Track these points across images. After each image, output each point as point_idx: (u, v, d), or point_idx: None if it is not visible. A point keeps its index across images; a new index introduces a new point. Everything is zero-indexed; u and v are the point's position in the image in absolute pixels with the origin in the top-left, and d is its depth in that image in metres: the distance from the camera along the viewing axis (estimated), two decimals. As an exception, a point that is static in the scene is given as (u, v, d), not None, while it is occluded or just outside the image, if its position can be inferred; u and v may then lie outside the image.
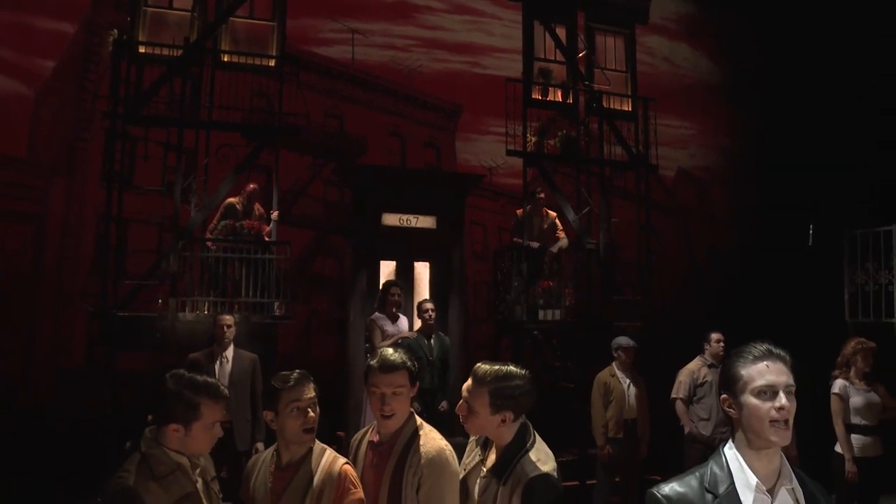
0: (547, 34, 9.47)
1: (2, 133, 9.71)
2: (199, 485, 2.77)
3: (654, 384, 7.47)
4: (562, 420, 8.12)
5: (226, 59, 8.34)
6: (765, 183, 12.99)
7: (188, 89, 8.14)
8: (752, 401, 2.07)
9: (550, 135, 9.58)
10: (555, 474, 2.83)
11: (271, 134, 8.33)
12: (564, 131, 9.58)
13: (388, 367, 3.01)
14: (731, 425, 2.17)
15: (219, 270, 7.86)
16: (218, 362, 6.61)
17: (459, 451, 3.16)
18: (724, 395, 2.17)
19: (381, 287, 7.94)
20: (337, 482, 2.91)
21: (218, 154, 8.37)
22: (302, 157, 11.07)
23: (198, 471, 2.79)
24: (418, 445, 3.00)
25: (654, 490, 2.11)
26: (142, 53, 8.03)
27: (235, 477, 5.55)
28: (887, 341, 7.43)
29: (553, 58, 9.57)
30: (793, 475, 2.11)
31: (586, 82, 9.59)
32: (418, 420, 3.13)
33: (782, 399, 2.04)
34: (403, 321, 7.73)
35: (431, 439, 3.04)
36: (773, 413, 2.03)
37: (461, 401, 2.98)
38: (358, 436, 3.29)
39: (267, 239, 8.08)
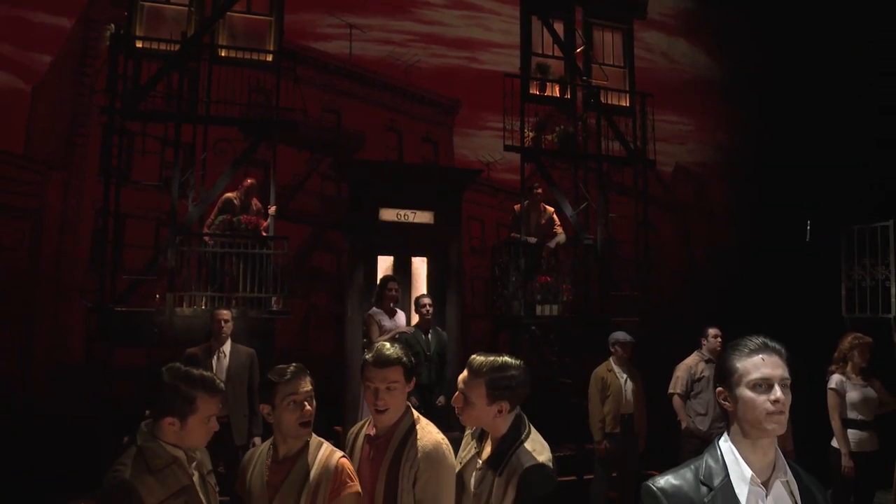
0: (545, 29, 9.46)
1: (-2, 128, 9.72)
2: (196, 478, 2.77)
3: (651, 379, 7.48)
4: (559, 415, 8.13)
5: (223, 54, 8.33)
6: (763, 180, 13.00)
7: (185, 84, 8.14)
8: (748, 394, 2.07)
9: (548, 130, 9.58)
10: (550, 464, 2.84)
11: (269, 129, 8.32)
12: (562, 127, 9.58)
13: (382, 361, 3.01)
14: (727, 418, 2.18)
15: (216, 265, 7.86)
16: (215, 357, 6.61)
17: (456, 445, 3.16)
18: (719, 388, 2.17)
19: (378, 282, 7.93)
20: (334, 475, 2.91)
21: (215, 149, 8.37)
22: (299, 152, 11.07)
23: (194, 464, 2.79)
24: (415, 439, 3.00)
25: (650, 483, 2.12)
26: (139, 48, 8.02)
27: (232, 472, 5.55)
28: (884, 336, 7.46)
29: (551, 53, 9.56)
30: (787, 468, 2.12)
31: (584, 77, 9.58)
32: (415, 414, 3.13)
33: (777, 392, 2.05)
34: (401, 316, 7.73)
35: (428, 433, 3.04)
36: (769, 406, 2.04)
37: (457, 392, 2.98)
38: (354, 429, 3.29)
39: (264, 234, 8.07)
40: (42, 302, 9.85)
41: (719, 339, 7.06)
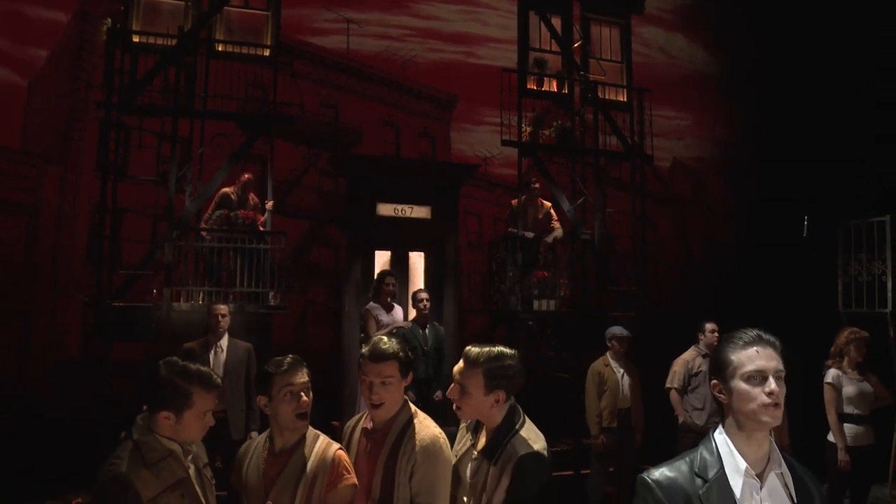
0: (542, 24, 9.45)
1: (-5, 123, 9.71)
2: (192, 471, 2.78)
3: (648, 374, 7.49)
4: (557, 410, 8.14)
5: (220, 49, 8.32)
6: (761, 175, 13.00)
7: (182, 79, 8.12)
8: (742, 386, 2.07)
9: (545, 125, 9.58)
10: (545, 453, 2.86)
11: (266, 123, 8.32)
12: (559, 121, 9.58)
13: (377, 356, 3.02)
14: (722, 411, 2.18)
15: (213, 260, 7.86)
16: (213, 352, 6.61)
17: (453, 440, 3.17)
18: (714, 381, 2.17)
19: (375, 277, 7.93)
20: (330, 468, 2.92)
21: (212, 144, 8.37)
22: (297, 146, 11.07)
23: (190, 457, 2.80)
24: (413, 433, 3.00)
25: (645, 475, 2.12)
26: (136, 43, 8.02)
27: (230, 466, 5.56)
28: (880, 331, 7.47)
29: (548, 48, 9.55)
30: (782, 460, 2.12)
31: (582, 72, 9.57)
32: (413, 408, 3.14)
33: (772, 384, 2.05)
34: (398, 311, 7.72)
35: (426, 427, 3.04)
36: (764, 398, 2.04)
37: (452, 384, 2.99)
38: (351, 422, 3.29)
39: (262, 229, 8.07)
40: (39, 297, 9.84)
41: (716, 334, 7.06)
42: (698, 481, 2.07)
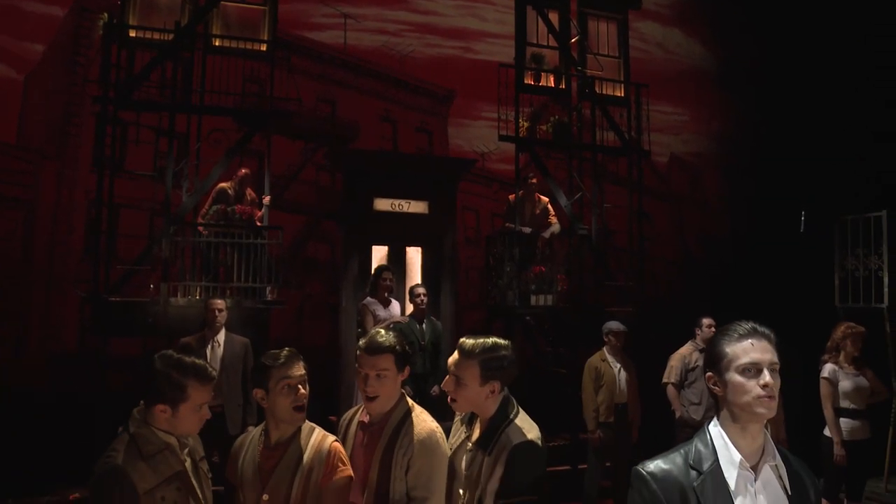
0: (540, 19, 9.45)
1: (-9, 118, 9.69)
2: (188, 464, 2.78)
3: (645, 369, 7.49)
4: (554, 405, 8.15)
5: (217, 44, 8.31)
6: (758, 171, 13.01)
7: (179, 74, 8.12)
8: (737, 378, 2.08)
9: (543, 120, 9.59)
10: (539, 442, 2.88)
11: (263, 119, 8.32)
12: (557, 117, 9.58)
13: (373, 348, 3.03)
14: (716, 403, 2.19)
15: (210, 255, 7.87)
16: (210, 346, 6.61)
17: (449, 434, 3.18)
18: (709, 373, 2.18)
19: (372, 272, 7.94)
20: (326, 460, 2.93)
21: (209, 139, 8.36)
22: (294, 142, 11.05)
23: (186, 450, 2.80)
24: (409, 427, 3.01)
25: (640, 467, 2.13)
26: (132, 37, 8.01)
27: (227, 461, 5.57)
28: (876, 326, 7.48)
29: (546, 43, 9.55)
30: (776, 453, 2.13)
31: (579, 68, 9.58)
32: (410, 402, 3.15)
33: (766, 377, 2.06)
34: (395, 306, 7.73)
35: (422, 421, 3.05)
36: (758, 390, 2.05)
37: (448, 376, 3.00)
38: (348, 415, 3.30)
39: (259, 224, 8.08)
40: (36, 292, 9.83)
41: (713, 329, 7.06)
42: (693, 473, 2.08)
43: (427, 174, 9.22)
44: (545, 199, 9.22)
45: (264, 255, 7.92)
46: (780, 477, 2.11)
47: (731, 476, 2.06)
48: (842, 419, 6.18)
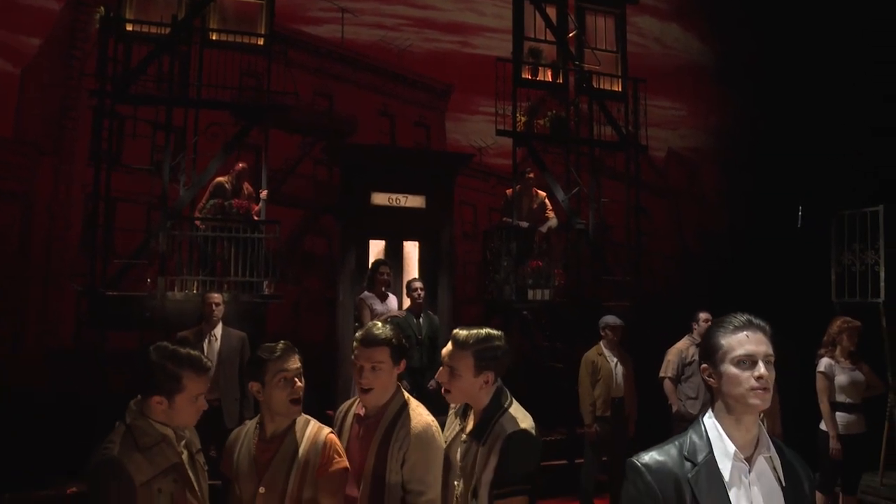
0: (537, 14, 9.44)
1: (-12, 112, 9.66)
2: (185, 456, 2.79)
3: (642, 363, 7.50)
4: (551, 399, 8.16)
5: (214, 38, 8.29)
6: (756, 166, 13.00)
7: (176, 68, 8.10)
8: (732, 370, 2.09)
9: (540, 115, 9.58)
10: (533, 431, 2.89)
11: (260, 112, 8.31)
12: (554, 111, 9.58)
13: (369, 341, 3.04)
14: (711, 395, 2.20)
15: (208, 249, 7.86)
16: (206, 340, 6.63)
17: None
18: (704, 365, 2.19)
19: (370, 266, 7.94)
20: (322, 451, 2.94)
21: (207, 133, 8.34)
22: (291, 136, 11.02)
23: (183, 442, 2.80)
24: (405, 420, 3.02)
25: (634, 458, 2.14)
26: (129, 31, 7.99)
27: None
28: (873, 320, 7.50)
29: (543, 37, 9.54)
30: (770, 444, 2.14)
31: (576, 62, 9.57)
32: (406, 395, 3.16)
33: (761, 368, 2.06)
34: (392, 300, 7.73)
35: (419, 415, 3.06)
36: (753, 382, 2.06)
37: (442, 368, 3.01)
38: (344, 407, 3.31)
39: (256, 218, 8.07)
40: (32, 286, 9.81)
41: (710, 324, 7.06)
42: (687, 465, 2.08)
43: (424, 169, 9.23)
44: (542, 193, 9.21)
45: (261, 249, 7.92)
46: (774, 468, 2.12)
47: (725, 467, 2.07)
48: (838, 413, 6.21)
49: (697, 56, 14.29)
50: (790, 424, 6.24)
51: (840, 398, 6.22)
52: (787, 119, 12.19)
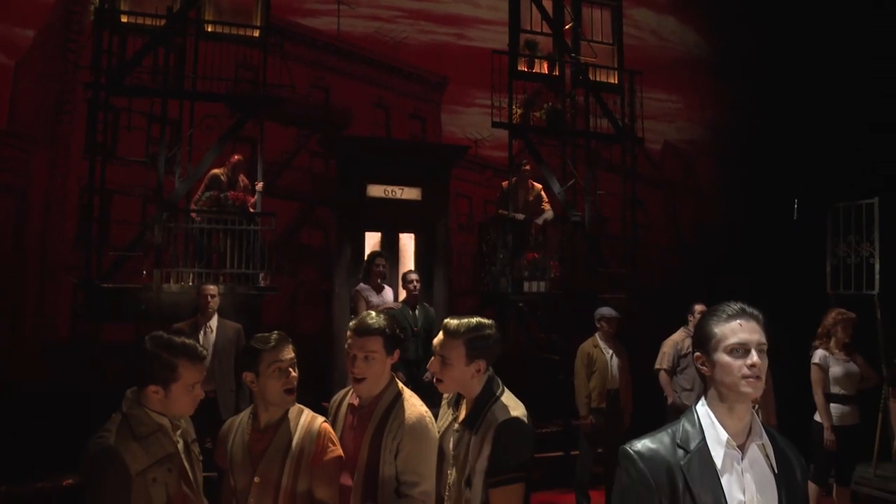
0: (533, 6, 9.41)
1: (-18, 104, 9.63)
2: (180, 446, 2.79)
3: (638, 355, 7.51)
4: (547, 392, 8.18)
5: (209, 30, 8.27)
6: (753, 160, 13.01)
7: (171, 60, 8.08)
8: (725, 358, 2.10)
9: (536, 107, 9.58)
10: (525, 419, 2.90)
11: (256, 105, 8.30)
12: (550, 103, 9.57)
13: (362, 330, 3.05)
14: (704, 383, 2.20)
15: (203, 242, 7.87)
16: (202, 332, 6.64)
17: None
18: (697, 353, 2.20)
19: (366, 258, 7.94)
20: (316, 440, 2.95)
21: (202, 125, 8.34)
22: (287, 128, 11.02)
23: (178, 432, 2.81)
24: (399, 411, 3.03)
25: (627, 446, 2.15)
26: (124, 23, 7.97)
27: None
28: (867, 312, 7.51)
29: (539, 30, 9.51)
30: (763, 432, 2.15)
31: (573, 54, 9.55)
32: (400, 385, 3.16)
33: (754, 356, 2.07)
34: (388, 292, 7.73)
35: (412, 405, 3.06)
36: (745, 370, 2.06)
37: (433, 357, 3.02)
38: (338, 397, 3.31)
39: (252, 210, 8.06)
40: (28, 278, 9.81)
41: (705, 316, 7.06)
42: (680, 452, 2.09)
43: (420, 161, 9.23)
44: (538, 185, 9.21)
45: (257, 241, 7.92)
46: (766, 456, 2.13)
47: (717, 455, 2.08)
48: (832, 404, 6.23)
49: (694, 49, 14.28)
50: (785, 416, 6.26)
51: (834, 390, 6.23)
52: (785, 113, 12.19)
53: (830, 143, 11.14)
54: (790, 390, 6.43)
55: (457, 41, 12.44)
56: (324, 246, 11.05)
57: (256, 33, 8.39)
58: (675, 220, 14.00)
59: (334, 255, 8.84)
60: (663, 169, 13.90)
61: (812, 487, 6.09)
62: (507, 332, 8.48)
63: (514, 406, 2.94)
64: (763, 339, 2.11)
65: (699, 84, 14.07)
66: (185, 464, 2.79)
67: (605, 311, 7.38)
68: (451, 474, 2.99)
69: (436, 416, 3.18)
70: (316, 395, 6.87)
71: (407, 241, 9.04)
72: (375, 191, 8.68)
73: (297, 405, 3.06)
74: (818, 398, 6.24)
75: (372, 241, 8.86)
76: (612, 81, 9.79)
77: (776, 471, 2.12)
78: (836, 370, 6.24)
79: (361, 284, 7.62)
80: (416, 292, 7.48)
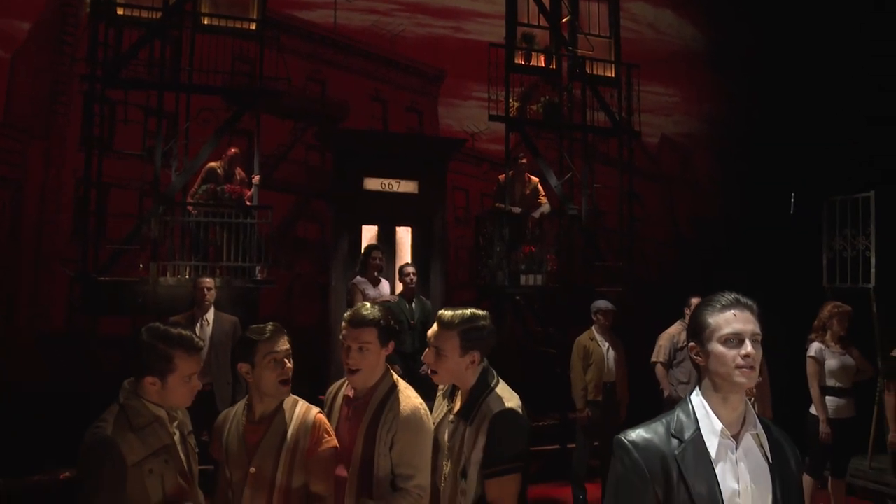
0: (530, -1, 9.42)
1: (-22, 97, 9.60)
2: (176, 438, 2.79)
3: (635, 348, 7.52)
4: (543, 385, 8.20)
5: (206, 23, 8.26)
6: (750, 153, 13.01)
7: (168, 52, 8.07)
8: (719, 348, 2.10)
9: (533, 100, 9.58)
10: (520, 410, 2.91)
11: (252, 98, 8.30)
12: (547, 97, 9.58)
13: (356, 321, 3.05)
14: (699, 373, 2.21)
15: (200, 235, 7.87)
16: (199, 325, 6.62)
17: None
18: (691, 344, 2.20)
19: (362, 251, 7.94)
20: (311, 431, 2.95)
21: (198, 118, 8.33)
22: (283, 121, 11.00)
23: (175, 423, 2.81)
24: (394, 403, 3.03)
25: (621, 436, 2.15)
26: (120, 15, 7.96)
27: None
28: (863, 306, 7.53)
29: (536, 23, 9.51)
30: (757, 422, 2.16)
31: (570, 48, 9.55)
32: (395, 378, 3.16)
33: (748, 347, 2.08)
34: (385, 285, 7.73)
35: (407, 397, 3.07)
36: (739, 360, 2.07)
37: (428, 349, 3.03)
38: (333, 388, 3.31)
39: (248, 203, 8.06)
40: (24, 271, 9.80)
41: (701, 309, 7.06)
42: (674, 442, 2.10)
43: (417, 154, 9.23)
44: (535, 179, 9.21)
45: (254, 234, 7.92)
46: (761, 445, 2.14)
47: (712, 444, 2.09)
48: (827, 397, 6.23)
49: (691, 42, 14.26)
50: (780, 408, 6.27)
51: (830, 382, 6.24)
52: (781, 107, 12.19)
53: (827, 136, 11.13)
54: (786, 383, 6.44)
55: (454, 34, 12.42)
56: (320, 239, 11.05)
57: (253, 26, 8.38)
58: (672, 214, 14.00)
59: (331, 249, 8.84)
60: (660, 162, 13.89)
61: (807, 480, 6.10)
62: (503, 325, 8.50)
63: (509, 397, 2.95)
64: (757, 330, 2.11)
65: (696, 77, 14.06)
66: (182, 455, 2.79)
67: (602, 304, 7.38)
68: (447, 466, 3.00)
69: (431, 408, 3.19)
70: (312, 388, 6.89)
71: (404, 235, 9.05)
72: (372, 184, 8.68)
73: (292, 396, 3.06)
74: (814, 391, 6.25)
75: (368, 234, 8.86)
76: (609, 75, 9.79)
77: (770, 460, 2.12)
78: (831, 363, 6.25)
79: (358, 277, 7.62)
80: (413, 285, 7.47)
